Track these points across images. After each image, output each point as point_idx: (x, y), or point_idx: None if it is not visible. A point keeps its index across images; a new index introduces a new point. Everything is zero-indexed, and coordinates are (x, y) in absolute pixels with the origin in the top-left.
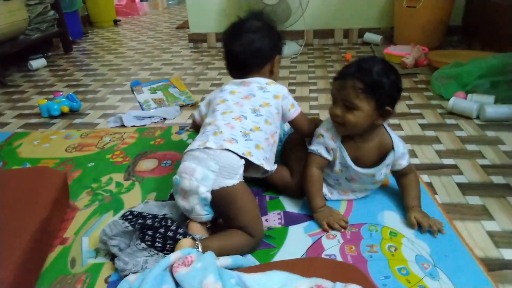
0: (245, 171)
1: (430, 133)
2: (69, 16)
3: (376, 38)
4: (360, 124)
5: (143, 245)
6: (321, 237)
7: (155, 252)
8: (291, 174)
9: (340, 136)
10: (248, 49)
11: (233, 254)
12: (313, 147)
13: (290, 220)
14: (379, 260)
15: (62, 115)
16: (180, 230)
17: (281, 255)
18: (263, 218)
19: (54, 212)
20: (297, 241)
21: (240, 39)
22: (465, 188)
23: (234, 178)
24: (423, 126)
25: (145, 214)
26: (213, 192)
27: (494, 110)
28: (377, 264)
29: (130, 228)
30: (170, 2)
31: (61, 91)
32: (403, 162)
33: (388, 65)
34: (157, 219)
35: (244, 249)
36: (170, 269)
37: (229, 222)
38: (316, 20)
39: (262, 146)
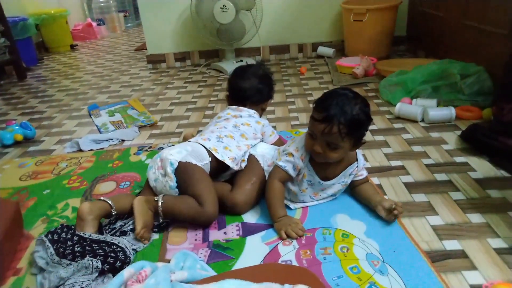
0: (216, 175)
1: (379, 137)
2: (22, 43)
3: (329, 51)
4: (340, 158)
5: (57, 258)
6: (277, 244)
7: (69, 262)
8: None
9: (308, 156)
10: (254, 87)
11: (184, 215)
12: (281, 163)
13: (248, 230)
14: (332, 261)
15: (16, 143)
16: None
17: (239, 265)
18: (222, 231)
19: (5, 243)
20: (254, 250)
21: (248, 79)
22: (411, 187)
23: (199, 162)
24: (373, 132)
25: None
26: (179, 163)
27: (437, 112)
28: (330, 265)
29: (44, 238)
30: (129, 24)
31: (15, 120)
32: (364, 173)
33: (363, 100)
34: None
35: (195, 215)
36: (125, 287)
37: (187, 189)
38: (271, 36)
39: (230, 149)
